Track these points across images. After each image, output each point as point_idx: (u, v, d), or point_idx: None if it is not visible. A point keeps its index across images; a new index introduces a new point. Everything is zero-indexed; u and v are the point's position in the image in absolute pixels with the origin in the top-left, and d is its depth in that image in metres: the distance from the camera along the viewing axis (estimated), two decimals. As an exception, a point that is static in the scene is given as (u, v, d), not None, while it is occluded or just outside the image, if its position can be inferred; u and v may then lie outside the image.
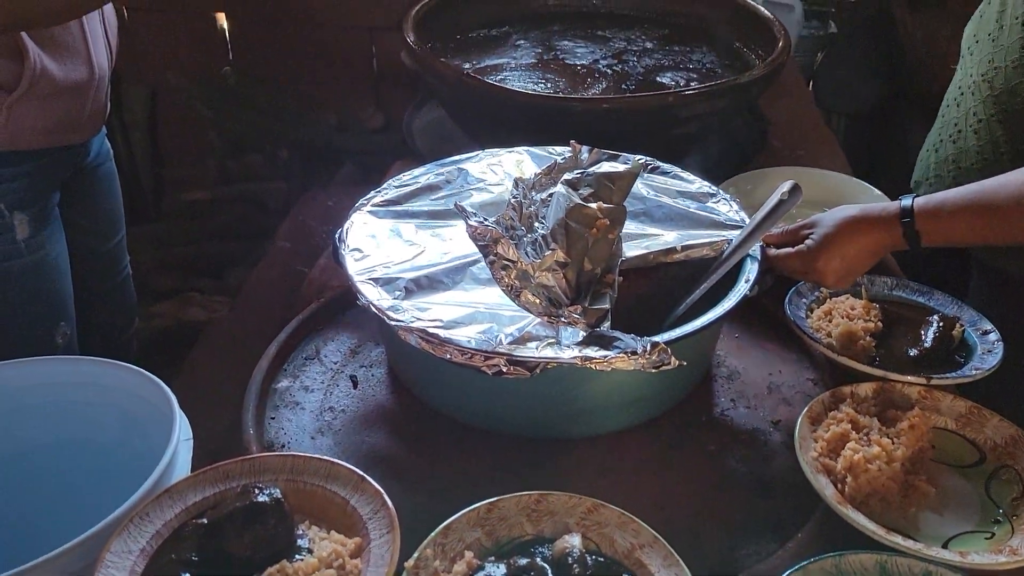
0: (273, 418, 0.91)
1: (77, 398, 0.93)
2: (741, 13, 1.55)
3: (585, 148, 0.94)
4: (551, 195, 0.88)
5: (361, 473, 0.72)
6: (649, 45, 1.56)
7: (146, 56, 2.73)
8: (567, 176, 0.90)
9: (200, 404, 1.50)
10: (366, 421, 0.90)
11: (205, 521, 0.67)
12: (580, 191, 0.88)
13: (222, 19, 2.67)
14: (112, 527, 0.67)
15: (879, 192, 1.16)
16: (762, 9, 1.50)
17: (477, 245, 0.83)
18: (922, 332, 0.91)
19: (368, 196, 1.02)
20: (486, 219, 0.84)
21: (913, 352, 0.89)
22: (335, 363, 0.99)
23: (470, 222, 0.84)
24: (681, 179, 1.06)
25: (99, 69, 1.16)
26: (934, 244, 0.85)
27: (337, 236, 0.95)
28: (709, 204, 1.01)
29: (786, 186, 0.91)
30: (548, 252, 0.82)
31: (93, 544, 0.66)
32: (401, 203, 1.01)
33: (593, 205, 0.85)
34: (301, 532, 0.69)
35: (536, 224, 0.87)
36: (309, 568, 0.64)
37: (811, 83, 2.60)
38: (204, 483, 0.72)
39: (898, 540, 0.67)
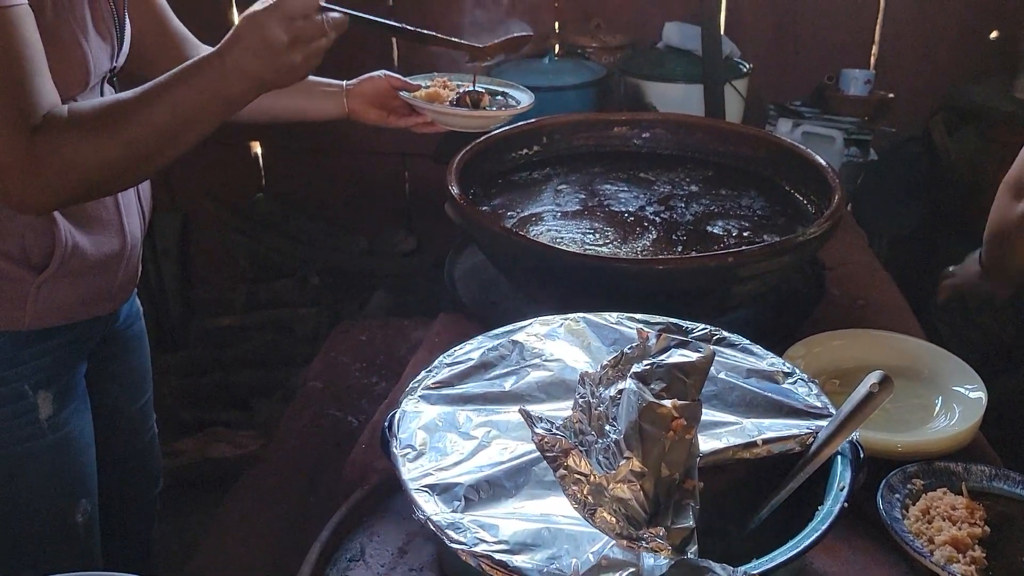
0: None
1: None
2: (786, 154, 1.52)
3: (653, 334, 0.88)
4: (620, 391, 0.82)
5: None
6: (695, 188, 1.52)
7: (180, 185, 2.77)
8: (636, 368, 0.83)
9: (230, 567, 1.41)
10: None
11: None
12: (652, 386, 0.81)
13: (256, 147, 2.71)
14: None
15: (959, 359, 1.08)
16: (810, 152, 1.47)
17: (545, 457, 0.76)
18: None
19: (419, 378, 0.96)
20: (553, 424, 0.78)
21: (1030, 564, 0.79)
22: (382, 566, 0.91)
23: (536, 430, 0.77)
24: (750, 353, 1.00)
25: (131, 238, 1.12)
26: None
27: (387, 425, 0.89)
28: (785, 385, 0.94)
29: (874, 377, 0.84)
30: (623, 462, 0.75)
31: None
32: (454, 385, 0.95)
33: (667, 403, 0.78)
34: None
35: (607, 427, 0.79)
36: None
37: (850, 204, 2.57)
38: None
39: None
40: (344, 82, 1.40)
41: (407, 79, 1.42)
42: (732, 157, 1.60)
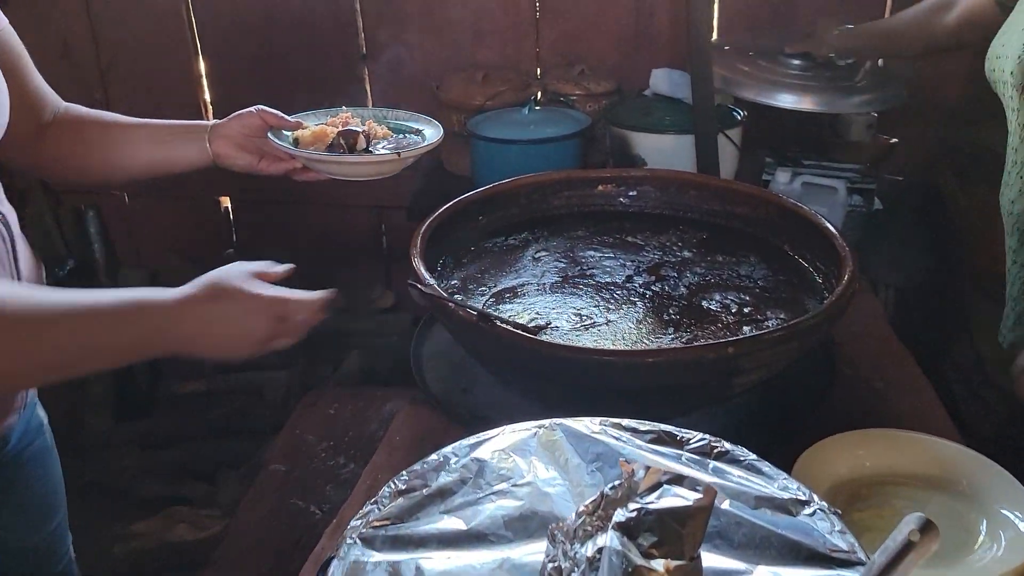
0: None
1: None
2: (789, 216, 1.38)
3: (639, 469, 0.72)
4: (601, 550, 0.66)
5: None
6: (688, 254, 1.38)
7: (146, 241, 2.62)
8: (619, 517, 0.68)
9: None
10: None
11: None
12: (639, 540, 0.65)
13: (226, 201, 2.57)
14: None
15: (1006, 472, 0.92)
16: (816, 215, 1.33)
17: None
18: None
19: (364, 512, 0.80)
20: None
21: None
22: None
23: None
24: (758, 472, 0.84)
25: None
26: None
27: (319, 580, 0.73)
28: (801, 518, 0.78)
29: (913, 522, 0.68)
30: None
31: None
32: (404, 520, 0.79)
33: (660, 567, 0.63)
34: None
35: (584, 600, 0.64)
36: None
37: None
38: None
39: None
40: (210, 122, 1.24)
41: (292, 117, 1.26)
42: (729, 217, 1.46)
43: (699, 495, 0.70)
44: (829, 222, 1.29)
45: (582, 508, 0.71)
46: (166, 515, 2.05)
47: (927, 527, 0.68)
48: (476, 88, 2.11)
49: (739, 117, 1.91)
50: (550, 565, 0.65)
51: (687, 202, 1.49)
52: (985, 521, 0.88)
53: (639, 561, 0.64)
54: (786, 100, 1.83)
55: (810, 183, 1.87)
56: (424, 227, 1.28)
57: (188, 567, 1.82)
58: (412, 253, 1.21)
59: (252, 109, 1.23)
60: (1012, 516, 0.87)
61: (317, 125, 1.28)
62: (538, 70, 2.29)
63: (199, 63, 2.35)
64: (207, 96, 2.35)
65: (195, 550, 1.94)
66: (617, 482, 0.72)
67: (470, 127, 1.94)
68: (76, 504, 1.28)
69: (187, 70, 2.35)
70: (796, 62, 1.90)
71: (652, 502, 0.69)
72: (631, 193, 1.52)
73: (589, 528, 0.69)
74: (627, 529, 0.66)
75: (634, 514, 0.68)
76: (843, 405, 1.15)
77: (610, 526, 0.67)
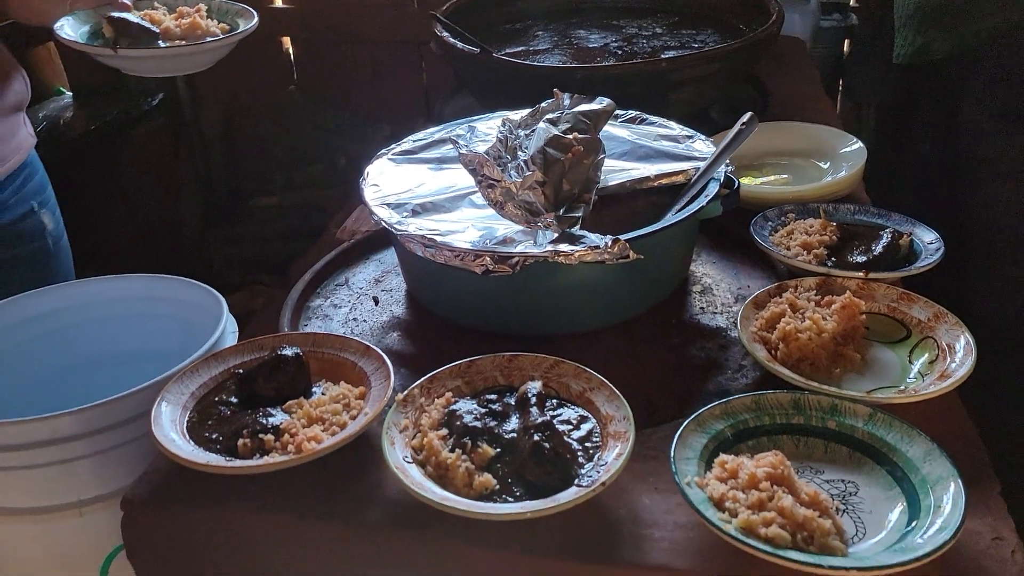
0: (305, 326, 1.07)
1: (141, 311, 1.12)
2: (747, 3, 1.68)
3: (567, 95, 1.09)
4: (534, 130, 1.03)
5: (368, 344, 0.88)
6: (659, 30, 1.70)
7: (221, 79, 3.02)
8: (549, 116, 1.05)
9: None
10: (383, 328, 1.06)
11: (241, 371, 0.84)
12: (559, 126, 1.03)
13: (287, 43, 2.94)
14: (170, 379, 0.84)
15: (858, 142, 1.26)
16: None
17: (467, 169, 0.99)
18: (872, 244, 1.01)
19: (388, 147, 1.19)
20: (474, 148, 1.00)
21: (861, 259, 0.99)
22: (360, 288, 1.15)
23: (461, 150, 1.00)
24: (665, 127, 1.20)
25: None
26: None
27: (361, 179, 1.12)
28: (687, 144, 1.14)
29: (745, 117, 1.04)
30: (528, 173, 0.97)
31: (152, 391, 0.83)
32: (416, 153, 1.18)
33: (569, 136, 1.00)
34: (318, 386, 0.85)
35: (520, 153, 1.01)
36: (321, 403, 0.80)
37: (840, 79, 2.68)
38: (242, 351, 0.88)
39: (814, 385, 0.78)
40: None
41: None
42: (699, 5, 1.77)
43: (603, 105, 1.06)
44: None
45: (525, 113, 1.08)
46: (249, 290, 2.51)
47: (751, 119, 1.03)
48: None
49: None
50: (500, 136, 1.03)
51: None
52: (831, 163, 1.24)
53: (557, 132, 1.00)
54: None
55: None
56: (444, 8, 1.63)
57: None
58: (433, 24, 1.57)
59: None
60: (849, 149, 1.25)
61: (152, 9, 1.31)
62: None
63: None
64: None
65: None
66: (549, 100, 1.09)
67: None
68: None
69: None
70: None
71: (572, 109, 1.06)
72: (617, -11, 1.83)
73: (528, 122, 1.06)
74: (552, 121, 1.04)
75: (558, 115, 1.05)
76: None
77: (542, 119, 1.05)
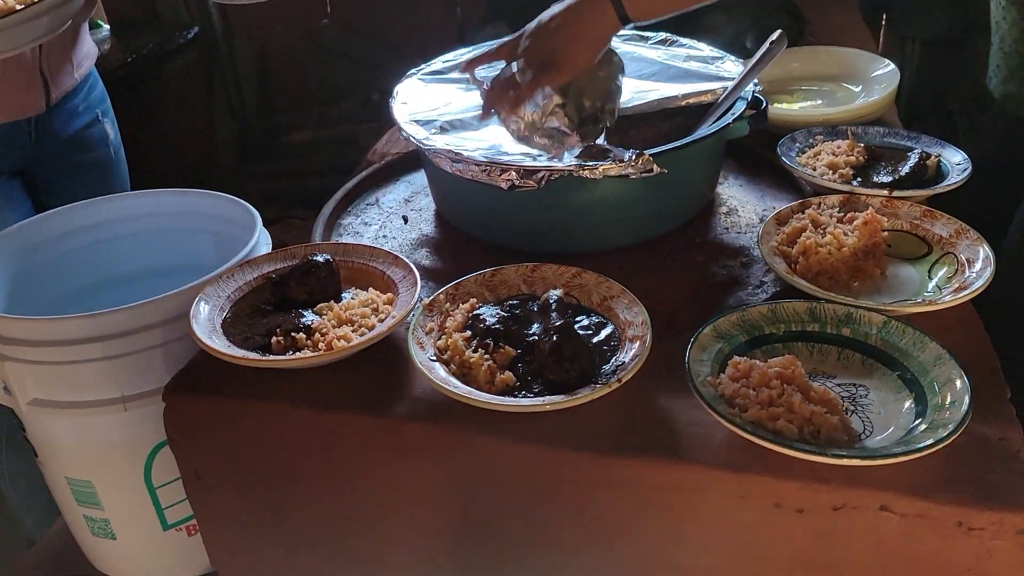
0: (337, 240, 1.11)
1: (177, 226, 1.16)
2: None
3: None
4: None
5: (396, 253, 0.90)
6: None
7: (255, 14, 3.03)
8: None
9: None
10: (412, 245, 1.08)
11: (275, 276, 0.87)
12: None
13: (321, -24, 2.92)
14: (207, 283, 0.88)
15: (891, 64, 1.24)
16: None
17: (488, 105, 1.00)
18: (899, 164, 1.01)
19: (418, 67, 1.20)
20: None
21: (887, 179, 0.99)
22: (390, 208, 1.18)
23: (484, 87, 1.01)
24: (695, 48, 1.19)
25: None
26: (640, 20, 0.92)
27: (391, 96, 1.14)
28: (716, 64, 1.14)
29: (775, 35, 1.03)
30: (545, 100, 0.97)
31: (191, 293, 0.87)
32: (445, 73, 1.19)
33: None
34: (348, 292, 0.88)
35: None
36: (351, 306, 0.83)
37: (885, 13, 2.60)
38: (276, 258, 0.92)
39: (831, 295, 0.79)
40: None
41: None
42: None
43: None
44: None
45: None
46: (283, 224, 2.56)
47: (780, 37, 1.02)
48: None
49: None
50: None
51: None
52: (863, 86, 1.23)
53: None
54: None
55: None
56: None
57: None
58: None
59: None
60: (882, 72, 1.24)
61: None
62: None
63: None
64: None
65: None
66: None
67: None
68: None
69: None
70: None
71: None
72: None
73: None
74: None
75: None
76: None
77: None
